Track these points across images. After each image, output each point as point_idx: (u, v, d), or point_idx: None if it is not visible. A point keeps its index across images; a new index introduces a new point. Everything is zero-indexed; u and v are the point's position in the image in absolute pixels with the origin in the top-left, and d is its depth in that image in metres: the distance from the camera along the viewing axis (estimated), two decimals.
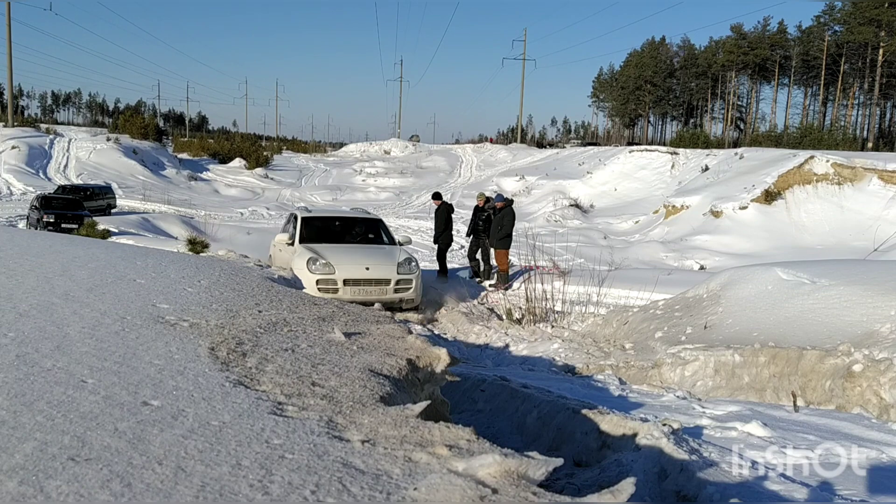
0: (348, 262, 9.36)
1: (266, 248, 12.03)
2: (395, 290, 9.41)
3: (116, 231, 20.20)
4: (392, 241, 10.79)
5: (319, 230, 10.69)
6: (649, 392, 3.91)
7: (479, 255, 12.18)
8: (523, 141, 75.21)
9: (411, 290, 9.56)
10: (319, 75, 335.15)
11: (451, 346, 7.53)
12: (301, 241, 9.98)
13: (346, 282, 9.06)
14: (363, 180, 47.75)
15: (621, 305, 9.28)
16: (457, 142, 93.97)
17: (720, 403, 3.22)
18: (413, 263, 9.78)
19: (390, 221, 22.77)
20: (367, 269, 9.29)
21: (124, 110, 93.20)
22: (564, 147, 64.35)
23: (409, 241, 11.56)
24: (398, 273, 9.43)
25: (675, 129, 74.05)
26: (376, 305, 3.67)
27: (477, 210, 12.19)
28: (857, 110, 63.03)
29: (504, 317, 9.67)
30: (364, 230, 11.03)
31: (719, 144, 53.46)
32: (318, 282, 8.69)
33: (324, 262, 9.09)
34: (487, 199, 12.21)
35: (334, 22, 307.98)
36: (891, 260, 13.32)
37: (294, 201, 37.13)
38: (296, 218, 10.84)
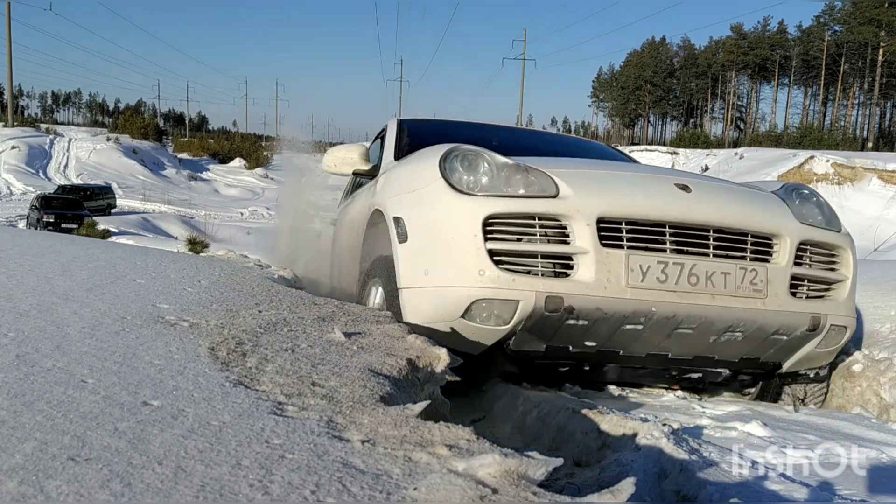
0: (609, 174, 2.64)
1: (266, 249, 8.21)
2: (795, 287, 2.52)
3: (116, 231, 20.22)
4: None
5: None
6: (649, 392, 3.91)
7: None
8: None
9: (845, 286, 2.68)
10: (319, 75, 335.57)
11: None
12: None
13: (603, 231, 2.27)
14: None
15: None
16: None
17: (720, 403, 3.22)
18: (827, 208, 2.77)
19: None
20: (686, 188, 2.41)
21: (124, 110, 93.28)
22: None
23: None
24: (802, 221, 2.56)
25: (675, 129, 74.15)
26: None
27: None
28: (857, 110, 63.13)
29: None
30: None
31: (719, 144, 53.51)
32: (490, 222, 2.22)
33: (510, 166, 2.35)
34: None
35: (334, 22, 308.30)
36: (891, 260, 13.31)
37: None
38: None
